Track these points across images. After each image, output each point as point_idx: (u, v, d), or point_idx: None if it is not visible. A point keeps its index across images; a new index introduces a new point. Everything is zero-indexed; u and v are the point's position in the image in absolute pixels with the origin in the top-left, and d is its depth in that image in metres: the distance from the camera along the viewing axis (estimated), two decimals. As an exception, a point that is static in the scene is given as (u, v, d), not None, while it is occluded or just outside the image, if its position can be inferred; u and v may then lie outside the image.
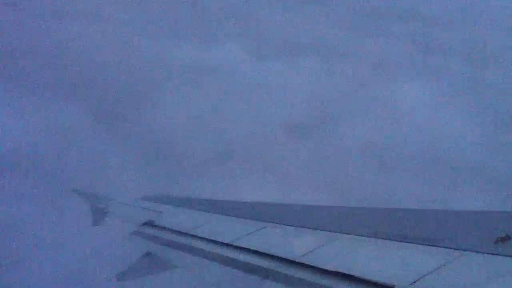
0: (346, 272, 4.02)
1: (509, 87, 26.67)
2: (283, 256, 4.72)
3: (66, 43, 28.28)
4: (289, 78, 28.56)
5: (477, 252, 3.75)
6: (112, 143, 20.33)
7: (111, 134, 21.12)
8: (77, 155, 18.88)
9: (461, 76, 29.60)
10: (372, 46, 33.53)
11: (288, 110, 24.77)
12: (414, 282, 3.58)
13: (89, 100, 23.30)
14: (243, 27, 35.05)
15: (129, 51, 29.15)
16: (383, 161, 21.13)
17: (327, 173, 19.90)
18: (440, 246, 4.00)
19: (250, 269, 4.84)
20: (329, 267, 4.20)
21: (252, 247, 5.18)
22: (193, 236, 6.21)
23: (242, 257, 5.12)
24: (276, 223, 5.75)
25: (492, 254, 3.65)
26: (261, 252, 5.00)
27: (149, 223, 7.31)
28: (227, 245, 5.49)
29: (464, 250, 3.80)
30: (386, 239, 4.47)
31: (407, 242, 4.26)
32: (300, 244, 4.89)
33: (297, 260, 4.53)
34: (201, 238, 6.03)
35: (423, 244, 4.13)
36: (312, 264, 4.37)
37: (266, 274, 4.63)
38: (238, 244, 5.37)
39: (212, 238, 5.88)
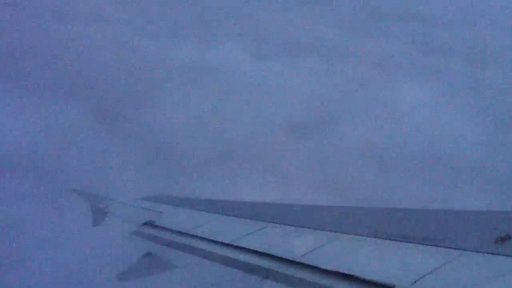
0: (346, 272, 4.02)
1: (509, 87, 26.67)
2: (283, 256, 4.72)
3: (66, 43, 28.29)
4: (289, 78, 28.57)
5: (477, 252, 3.75)
6: (112, 143, 20.35)
7: (111, 134, 21.14)
8: (77, 155, 18.90)
9: (461, 76, 29.62)
10: (372, 46, 33.54)
11: (288, 110, 24.78)
12: (415, 282, 3.58)
13: (89, 100, 23.31)
14: (243, 27, 35.06)
15: (129, 51, 29.16)
16: (383, 161, 21.15)
17: (327, 173, 19.91)
18: (440, 246, 4.00)
19: (250, 269, 4.84)
20: (329, 267, 4.20)
21: (252, 247, 5.18)
22: (193, 236, 6.21)
23: (242, 257, 5.12)
24: (276, 223, 5.75)
25: (492, 254, 3.65)
26: (261, 252, 5.00)
27: (149, 223, 7.31)
28: (228, 245, 5.49)
29: (464, 250, 3.80)
30: (386, 239, 4.47)
31: (407, 242, 4.26)
32: (300, 244, 4.88)
33: (297, 260, 4.53)
34: (202, 238, 6.03)
35: (423, 244, 4.13)
36: (312, 264, 4.37)
37: (266, 274, 4.63)
38: (238, 244, 5.37)
39: (212, 238, 5.88)
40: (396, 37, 34.89)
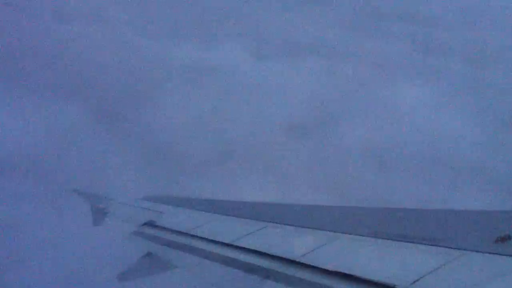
0: (347, 272, 4.02)
1: (509, 87, 26.68)
2: (284, 256, 4.72)
3: (66, 43, 28.29)
4: (289, 78, 28.57)
5: (477, 251, 3.75)
6: (112, 143, 20.35)
7: (112, 134, 21.14)
8: (77, 155, 18.90)
9: (461, 76, 29.63)
10: (372, 46, 33.54)
11: (288, 110, 24.78)
12: (415, 281, 3.58)
13: (89, 100, 23.32)
14: (243, 27, 35.06)
15: (129, 51, 29.17)
16: (383, 161, 21.15)
17: (327, 173, 19.92)
18: (440, 246, 4.00)
19: (250, 269, 4.84)
20: (330, 267, 4.20)
21: (253, 247, 5.18)
22: (193, 236, 6.21)
23: (242, 257, 5.12)
24: (277, 223, 5.75)
25: (492, 253, 3.65)
26: (261, 252, 5.00)
27: (150, 223, 7.31)
28: (228, 245, 5.49)
29: (465, 249, 3.80)
30: (386, 238, 4.47)
31: (408, 241, 4.27)
32: (300, 244, 4.88)
33: (297, 260, 4.53)
34: (202, 238, 6.03)
35: (423, 244, 4.13)
36: (312, 264, 4.37)
37: (266, 274, 4.63)
38: (238, 244, 5.37)
39: (212, 238, 5.88)
40: (396, 37, 34.91)
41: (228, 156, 20.26)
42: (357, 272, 3.95)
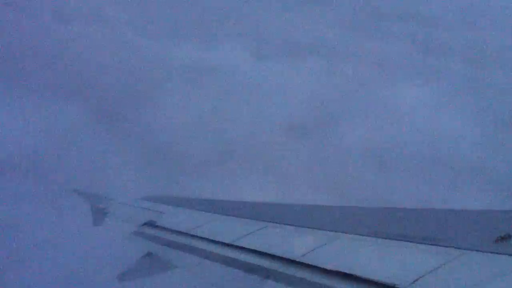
0: (347, 271, 4.01)
1: (509, 87, 26.68)
2: (284, 255, 4.72)
3: (66, 43, 28.30)
4: (289, 78, 28.58)
5: (477, 251, 3.75)
6: (112, 143, 20.35)
7: (112, 134, 21.14)
8: (77, 155, 18.90)
9: (461, 76, 29.63)
10: (372, 47, 33.55)
11: (288, 110, 24.79)
12: (415, 281, 3.58)
13: (90, 101, 23.32)
14: (243, 27, 35.07)
15: (129, 51, 29.17)
16: (383, 161, 21.15)
17: (327, 173, 19.92)
18: (440, 245, 4.00)
19: (250, 269, 4.84)
20: (330, 266, 4.20)
21: (253, 247, 5.18)
22: (193, 236, 6.21)
23: (242, 257, 5.12)
24: (277, 223, 5.75)
25: (492, 253, 3.65)
26: (261, 252, 5.00)
27: (150, 223, 7.31)
28: (228, 245, 5.48)
29: (465, 249, 3.80)
30: (386, 238, 4.47)
31: (408, 241, 4.27)
32: (300, 243, 4.88)
33: (297, 260, 4.53)
34: (202, 238, 6.03)
35: (423, 243, 4.13)
36: (312, 264, 4.37)
37: (267, 274, 4.63)
38: (238, 244, 5.37)
39: (212, 238, 5.88)
40: (396, 37, 34.92)
41: (228, 156, 20.27)
42: (357, 272, 3.95)
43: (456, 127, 23.99)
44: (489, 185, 18.93)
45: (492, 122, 24.08)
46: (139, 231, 7.25)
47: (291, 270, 4.47)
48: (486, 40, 33.57)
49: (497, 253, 3.62)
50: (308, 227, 5.36)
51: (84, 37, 29.87)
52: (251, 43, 32.34)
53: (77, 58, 26.74)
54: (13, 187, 16.23)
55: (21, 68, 24.33)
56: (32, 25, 29.37)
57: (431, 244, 4.07)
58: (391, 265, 4.05)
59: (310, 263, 4.39)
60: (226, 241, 5.55)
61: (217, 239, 5.76)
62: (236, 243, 5.41)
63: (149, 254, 6.34)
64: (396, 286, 3.61)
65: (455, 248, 3.86)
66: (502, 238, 3.77)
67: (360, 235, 4.74)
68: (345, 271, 4.02)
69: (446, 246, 3.94)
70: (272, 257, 4.81)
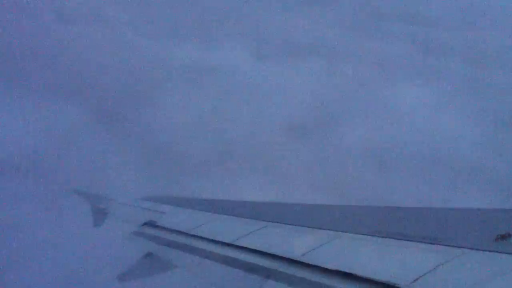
0: (347, 271, 4.01)
1: (509, 87, 26.69)
2: (284, 255, 4.71)
3: (67, 43, 28.31)
4: (290, 78, 28.58)
5: (477, 250, 3.75)
6: (112, 143, 20.36)
7: (112, 134, 21.15)
8: (77, 155, 18.91)
9: (461, 77, 29.64)
10: (373, 47, 33.55)
11: (288, 111, 24.79)
12: (415, 280, 3.58)
13: (90, 101, 23.33)
14: (244, 28, 35.08)
15: (129, 51, 29.18)
16: (383, 161, 21.15)
17: (327, 173, 19.92)
18: (440, 244, 4.00)
19: (251, 268, 4.84)
20: (330, 266, 4.20)
21: (253, 247, 5.17)
22: (194, 236, 6.21)
23: (243, 256, 5.11)
24: (277, 222, 5.75)
25: (493, 251, 3.65)
26: (262, 251, 5.00)
27: (150, 223, 7.31)
28: (228, 244, 5.48)
29: (465, 248, 3.80)
30: (386, 237, 4.47)
31: (408, 240, 4.27)
32: (301, 243, 4.88)
33: (298, 259, 4.53)
34: (202, 238, 6.03)
35: (423, 242, 4.13)
36: (313, 263, 4.36)
37: (267, 273, 4.62)
38: (239, 244, 5.37)
39: (213, 238, 5.87)
40: (396, 37, 34.93)
41: (228, 156, 20.27)
42: (357, 271, 3.95)
43: (456, 127, 23.99)
44: (489, 185, 18.93)
45: (492, 122, 24.08)
46: (139, 231, 7.25)
47: (291, 270, 4.47)
48: (486, 40, 33.58)
49: (497, 251, 3.62)
50: (308, 227, 5.36)
51: (84, 37, 29.89)
52: (251, 43, 32.37)
53: (77, 58, 26.76)
54: (13, 187, 16.24)
55: (22, 68, 24.34)
56: (32, 25, 29.40)
57: (431, 243, 4.07)
58: (392, 264, 4.05)
59: (310, 263, 4.39)
60: (227, 241, 5.55)
61: (217, 239, 5.76)
62: (236, 243, 5.40)
63: (149, 254, 6.34)
64: (396, 285, 3.61)
65: (455, 247, 3.86)
66: (502, 237, 3.77)
67: (360, 234, 4.74)
68: (345, 271, 4.02)
69: (446, 245, 3.94)
70: (273, 256, 4.81)
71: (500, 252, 3.60)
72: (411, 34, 34.67)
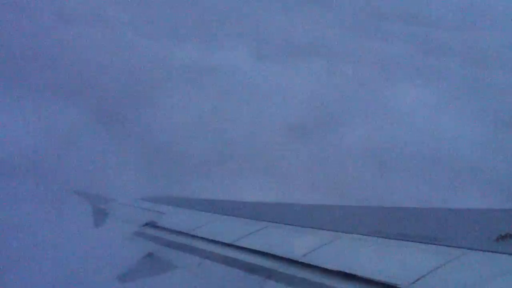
0: (348, 271, 4.02)
1: (509, 87, 26.68)
2: (285, 256, 4.72)
3: (67, 44, 28.31)
4: (290, 78, 28.58)
5: (478, 250, 3.75)
6: (113, 144, 20.34)
7: (112, 135, 21.14)
8: (78, 156, 18.89)
9: (461, 77, 29.63)
10: (373, 47, 33.55)
11: (288, 111, 24.79)
12: (416, 280, 3.58)
13: (90, 101, 23.32)
14: (244, 28, 35.08)
15: (130, 51, 29.18)
16: (383, 161, 21.14)
17: (328, 173, 19.91)
18: (441, 245, 4.00)
19: (251, 269, 4.84)
20: (331, 266, 4.20)
21: (254, 247, 5.18)
22: (194, 236, 6.21)
23: (243, 257, 5.12)
24: (277, 223, 5.76)
25: (493, 252, 3.65)
26: (262, 252, 5.00)
27: (151, 224, 7.32)
28: (229, 245, 5.49)
29: (466, 248, 3.80)
30: (387, 238, 4.47)
31: (409, 240, 4.27)
32: (301, 243, 4.88)
33: (298, 260, 4.53)
34: (203, 239, 6.03)
35: (424, 243, 4.13)
36: (313, 264, 4.37)
37: (268, 274, 4.63)
38: (239, 244, 5.37)
39: (213, 238, 5.88)
40: (397, 37, 34.94)
41: (228, 156, 20.26)
42: (358, 272, 3.95)
43: (456, 127, 23.98)
44: (489, 185, 18.92)
45: (492, 122, 24.07)
46: (140, 231, 7.26)
47: (292, 270, 4.47)
48: (486, 40, 33.58)
49: (497, 252, 3.63)
50: (309, 227, 5.36)
51: (85, 37, 29.88)
52: (251, 43, 32.36)
53: (77, 58, 26.75)
54: (13, 187, 16.22)
55: (22, 68, 24.34)
56: (32, 25, 29.40)
57: (432, 244, 4.07)
58: (392, 264, 4.05)
59: (311, 263, 4.39)
60: (227, 241, 5.56)
61: (217, 239, 5.76)
62: (236, 243, 5.41)
63: (150, 255, 6.35)
64: (397, 285, 3.61)
65: (456, 247, 3.87)
66: (503, 237, 3.78)
67: (361, 234, 4.74)
68: (346, 271, 4.03)
69: (447, 246, 3.95)
70: (273, 257, 4.81)
71: (500, 253, 3.60)
72: (411, 34, 34.68)
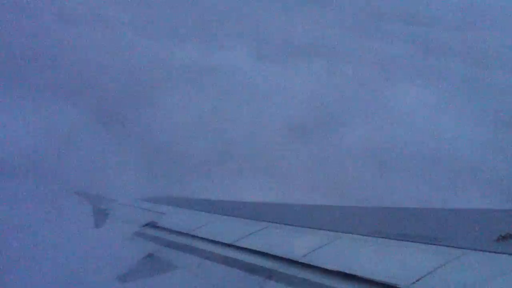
0: (348, 271, 4.02)
1: (509, 87, 26.69)
2: (285, 256, 4.72)
3: (67, 44, 28.31)
4: (290, 78, 28.58)
5: (479, 250, 3.75)
6: (113, 144, 20.34)
7: (112, 135, 21.14)
8: (78, 156, 18.89)
9: (461, 77, 29.63)
10: (373, 47, 33.56)
11: (289, 111, 24.78)
12: (416, 281, 3.58)
13: (90, 101, 23.31)
14: (244, 28, 35.08)
15: (130, 52, 29.19)
16: (384, 162, 21.14)
17: (328, 173, 19.91)
18: (441, 245, 4.00)
19: (252, 269, 4.85)
20: (331, 266, 4.20)
21: (254, 248, 5.18)
22: (194, 236, 6.21)
23: (244, 257, 5.12)
24: (278, 223, 5.76)
25: (494, 252, 3.65)
26: (262, 252, 5.01)
27: (151, 224, 7.32)
28: (229, 245, 5.49)
29: (466, 248, 3.80)
30: (387, 238, 4.47)
31: (409, 241, 4.27)
32: (301, 244, 4.89)
33: (299, 260, 4.54)
34: (203, 239, 6.04)
35: (424, 243, 4.13)
36: (314, 264, 4.37)
37: (268, 274, 4.63)
38: (240, 245, 5.37)
39: (213, 238, 5.88)
40: (397, 37, 34.95)
41: (228, 157, 20.26)
42: (358, 272, 3.95)
43: (456, 127, 23.98)
44: (489, 185, 18.92)
45: (492, 122, 24.07)
46: (140, 231, 7.26)
47: (292, 271, 4.48)
48: (486, 40, 33.58)
49: (498, 252, 3.63)
50: (309, 227, 5.36)
51: (85, 37, 29.89)
52: (251, 43, 32.36)
53: (77, 58, 26.76)
54: (14, 187, 16.22)
55: (22, 68, 24.34)
56: (32, 26, 29.39)
57: (432, 244, 4.07)
58: (392, 265, 4.05)
59: (311, 264, 4.39)
60: (227, 242, 5.56)
61: (218, 240, 5.77)
62: (237, 244, 5.41)
63: (150, 255, 6.35)
64: (397, 286, 3.61)
65: (456, 247, 3.87)
66: (503, 238, 3.78)
67: (361, 235, 4.74)
68: (346, 271, 4.03)
69: (447, 246, 3.95)
70: (273, 257, 4.81)
71: (501, 253, 3.60)
72: (411, 34, 34.69)
